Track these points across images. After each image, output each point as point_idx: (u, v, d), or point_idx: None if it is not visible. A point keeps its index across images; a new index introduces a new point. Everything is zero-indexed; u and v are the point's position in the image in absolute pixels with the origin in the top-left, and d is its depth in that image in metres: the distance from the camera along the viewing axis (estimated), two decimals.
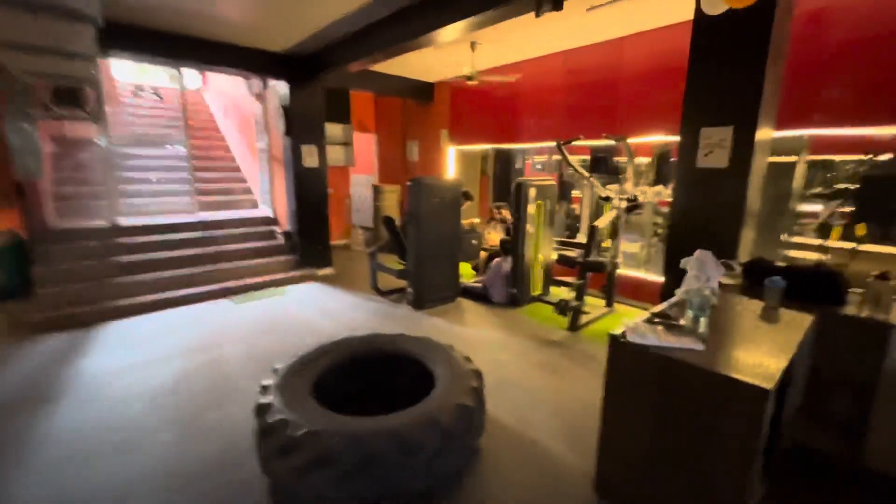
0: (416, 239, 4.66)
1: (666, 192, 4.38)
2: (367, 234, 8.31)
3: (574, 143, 4.48)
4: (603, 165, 9.28)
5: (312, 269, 6.14)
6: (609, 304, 4.90)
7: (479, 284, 5.26)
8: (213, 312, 4.75)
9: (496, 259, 5.16)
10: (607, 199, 4.67)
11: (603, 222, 4.40)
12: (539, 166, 7.01)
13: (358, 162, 8.24)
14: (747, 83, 2.82)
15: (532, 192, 4.64)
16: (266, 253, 6.11)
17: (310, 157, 6.00)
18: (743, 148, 2.92)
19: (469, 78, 5.34)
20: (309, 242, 6.14)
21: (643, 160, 5.21)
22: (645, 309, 4.61)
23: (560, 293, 4.78)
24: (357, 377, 2.73)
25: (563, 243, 5.18)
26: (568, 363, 3.64)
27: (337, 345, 2.75)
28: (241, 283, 5.49)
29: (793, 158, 4.33)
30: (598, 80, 5.21)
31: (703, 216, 3.29)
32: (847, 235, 3.71)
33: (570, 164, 4.43)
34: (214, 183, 7.26)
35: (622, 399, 2.00)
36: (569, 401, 3.06)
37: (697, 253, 2.30)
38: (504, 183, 7.63)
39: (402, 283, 5.32)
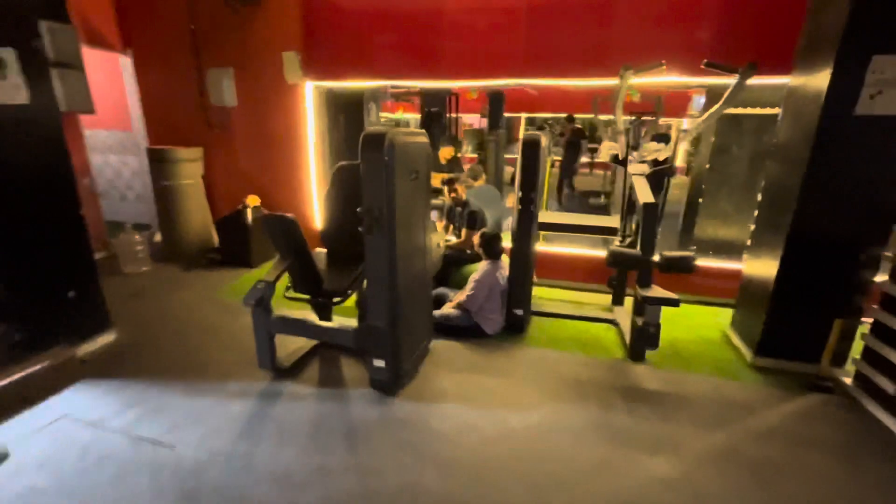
0: (388, 262, 2.20)
1: (667, 150, 3.28)
2: (146, 237, 4.66)
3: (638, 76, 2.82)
4: (437, 123, 7.93)
5: (61, 349, 2.66)
6: (620, 303, 3.69)
7: (454, 311, 3.18)
8: None
9: (481, 267, 3.15)
10: (623, 160, 3.30)
11: (646, 193, 3.02)
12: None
13: (99, 107, 4.30)
14: None
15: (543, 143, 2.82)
16: None
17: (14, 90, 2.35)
18: None
19: None
20: (35, 288, 2.59)
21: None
22: (712, 304, 3.59)
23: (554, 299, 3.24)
24: None
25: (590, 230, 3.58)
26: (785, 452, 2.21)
27: None
28: None
29: None
30: None
31: (862, 186, 2.31)
32: None
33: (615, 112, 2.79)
34: None
35: None
36: None
37: None
38: (353, 141, 5.32)
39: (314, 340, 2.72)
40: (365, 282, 2.30)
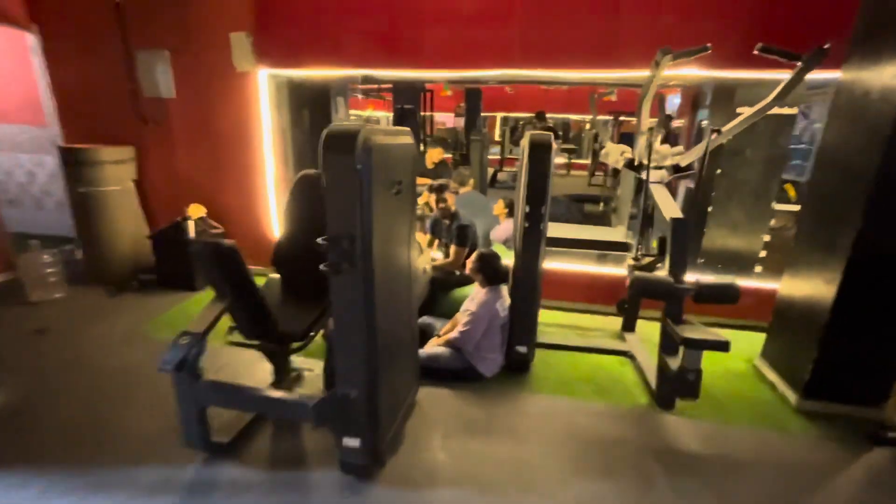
0: (363, 312, 1.58)
1: (691, 154, 2.82)
2: (64, 254, 3.85)
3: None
4: (411, 122, 7.31)
5: None
6: (631, 329, 3.21)
7: (443, 350, 2.59)
8: None
9: (478, 296, 2.57)
10: (638, 166, 2.82)
11: (672, 206, 2.54)
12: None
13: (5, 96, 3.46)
14: None
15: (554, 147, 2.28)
16: None
17: None
18: None
19: None
20: None
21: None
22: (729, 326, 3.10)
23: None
24: None
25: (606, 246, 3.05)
26: None
27: None
28: None
29: None
30: None
31: None
32: None
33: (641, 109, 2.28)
34: None
35: None
36: None
37: None
38: (318, 141, 4.68)
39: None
40: (331, 321, 1.68)
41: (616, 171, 5.33)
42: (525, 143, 2.39)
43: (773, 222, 3.92)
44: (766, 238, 3.88)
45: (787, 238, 4.39)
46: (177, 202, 3.91)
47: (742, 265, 3.85)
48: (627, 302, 3.17)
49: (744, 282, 3.46)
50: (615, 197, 4.90)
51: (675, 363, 2.29)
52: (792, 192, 4.42)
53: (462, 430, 2.20)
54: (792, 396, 2.48)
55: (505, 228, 4.14)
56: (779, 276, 2.73)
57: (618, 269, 3.51)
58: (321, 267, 1.47)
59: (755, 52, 1.99)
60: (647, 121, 2.55)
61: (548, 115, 8.89)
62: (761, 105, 2.22)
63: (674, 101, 9.72)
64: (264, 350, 2.28)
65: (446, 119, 11.44)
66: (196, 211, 3.83)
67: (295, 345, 2.22)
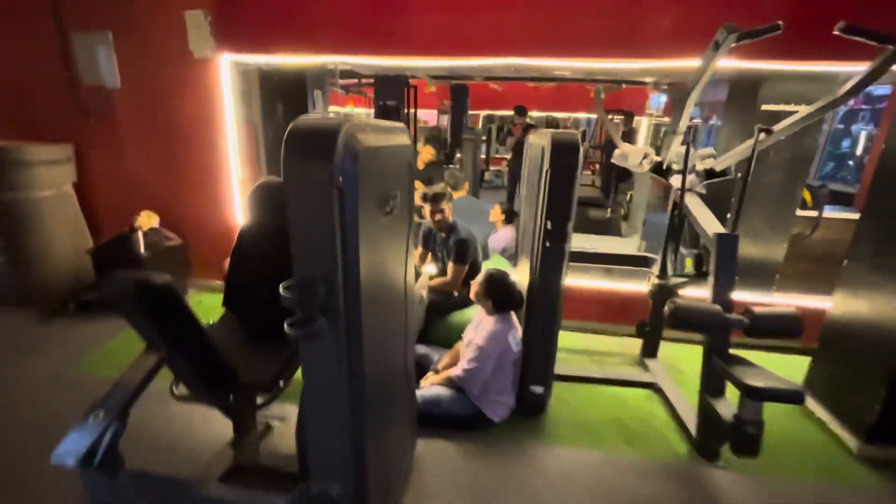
0: (347, 384, 1.12)
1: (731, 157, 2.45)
2: None
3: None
4: (394, 118, 6.81)
5: None
6: (653, 354, 2.83)
7: (445, 391, 2.15)
8: None
9: (486, 326, 2.13)
10: (666, 170, 2.44)
11: (712, 219, 2.16)
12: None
13: None
14: None
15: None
16: None
17: None
18: None
19: None
20: None
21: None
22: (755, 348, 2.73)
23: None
24: None
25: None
26: None
27: None
28: None
29: None
30: None
31: None
32: None
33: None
34: None
35: None
36: None
37: None
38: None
39: None
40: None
41: (621, 173, 4.96)
42: (542, 143, 1.96)
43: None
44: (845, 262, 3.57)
45: (804, 246, 4.12)
46: (126, 209, 3.35)
47: (762, 278, 3.53)
48: (649, 324, 2.78)
49: (764, 297, 3.17)
50: (623, 201, 4.52)
51: (723, 408, 1.91)
52: (807, 197, 4.14)
53: (470, 501, 1.77)
54: (851, 440, 2.13)
55: (502, 237, 3.72)
56: (799, 289, 2.39)
57: (633, 285, 3.13)
58: (287, 328, 1.00)
59: (835, 33, 1.61)
60: (688, 118, 2.16)
61: (533, 114, 8.50)
62: (826, 101, 1.84)
63: (658, 100, 9.51)
64: (220, 407, 1.80)
65: (429, 117, 10.98)
66: (147, 220, 3.28)
67: (261, 400, 1.75)
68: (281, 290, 0.98)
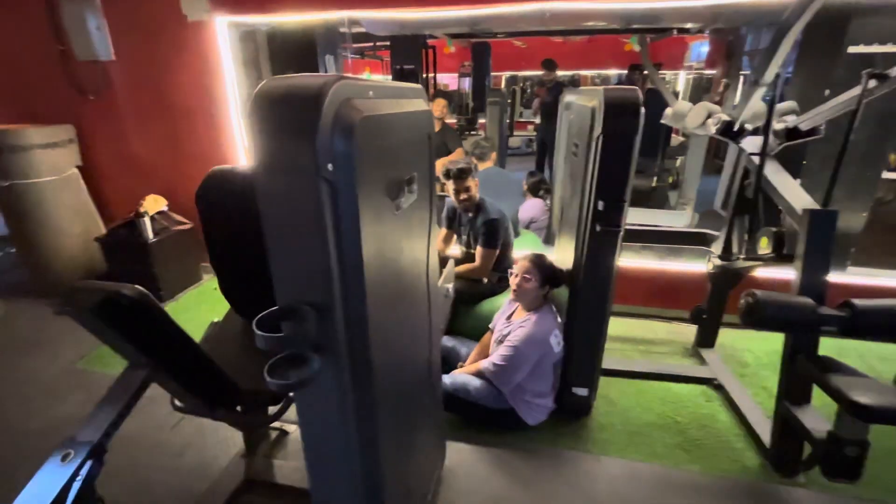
0: (356, 425, 0.87)
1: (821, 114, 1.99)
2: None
3: None
4: (413, 81, 6.33)
5: None
6: (710, 344, 2.50)
7: (476, 382, 1.89)
8: None
9: (525, 321, 1.85)
10: (738, 132, 2.03)
11: (799, 191, 1.77)
12: None
13: None
14: None
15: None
16: None
17: None
18: None
19: None
20: None
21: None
22: None
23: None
24: None
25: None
26: None
27: None
28: None
29: None
30: None
31: None
32: None
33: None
34: None
35: None
36: None
37: None
38: None
39: None
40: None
41: (668, 135, 4.41)
42: (590, 103, 1.59)
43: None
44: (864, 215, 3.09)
45: (885, 213, 3.61)
46: (135, 193, 3.17)
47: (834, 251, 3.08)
48: (707, 311, 2.44)
49: (838, 276, 2.76)
50: (672, 167, 4.02)
51: (812, 420, 1.60)
52: (892, 159, 3.58)
53: None
54: None
55: (530, 206, 3.37)
56: (879, 263, 1.97)
57: (685, 265, 2.76)
58: (267, 378, 0.74)
59: None
60: (779, 65, 1.73)
61: (559, 73, 7.79)
62: None
63: (699, 50, 8.57)
64: (226, 420, 1.60)
65: (450, 81, 10.42)
66: (154, 204, 3.09)
67: (272, 410, 1.54)
68: (254, 327, 0.71)
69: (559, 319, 1.89)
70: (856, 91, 1.70)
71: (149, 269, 2.99)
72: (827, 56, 2.78)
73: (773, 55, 1.68)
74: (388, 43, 6.39)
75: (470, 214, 2.32)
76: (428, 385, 1.38)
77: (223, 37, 2.85)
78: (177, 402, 1.56)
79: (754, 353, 2.50)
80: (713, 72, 6.62)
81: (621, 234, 1.60)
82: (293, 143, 0.66)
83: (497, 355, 1.86)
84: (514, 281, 1.88)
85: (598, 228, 1.59)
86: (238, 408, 1.52)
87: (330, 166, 0.68)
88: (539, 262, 1.84)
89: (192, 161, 3.23)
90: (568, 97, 2.40)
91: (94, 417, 1.14)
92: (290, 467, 1.73)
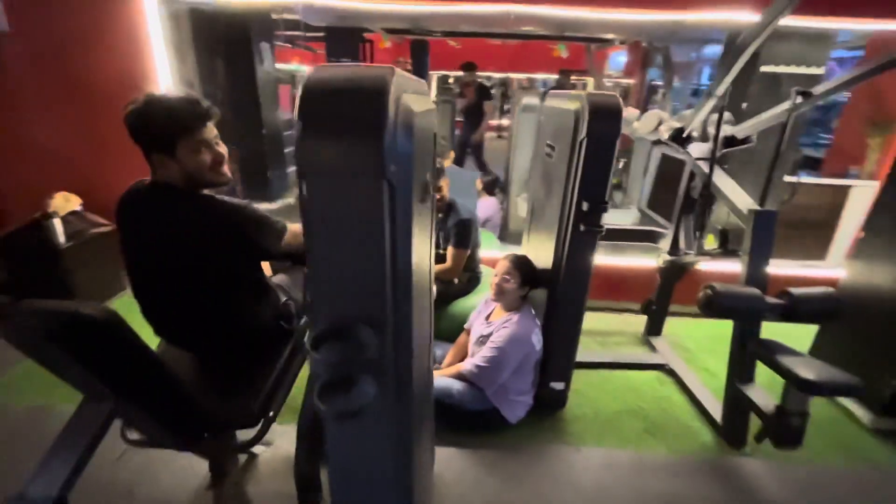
0: (397, 449, 0.80)
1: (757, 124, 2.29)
2: None
3: None
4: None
5: None
6: (658, 332, 2.72)
7: (458, 385, 1.88)
8: None
9: (510, 323, 1.86)
10: (686, 138, 2.23)
11: (742, 194, 1.98)
12: None
13: None
14: None
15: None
16: None
17: None
18: None
19: None
20: None
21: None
22: None
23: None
24: None
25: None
26: None
27: None
28: None
29: None
30: None
31: None
32: None
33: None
34: None
35: None
36: None
37: None
38: (239, 102, 3.68)
39: None
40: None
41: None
42: (572, 106, 1.64)
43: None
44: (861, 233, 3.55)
45: (785, 211, 4.16)
46: (40, 187, 2.70)
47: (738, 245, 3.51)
48: (656, 302, 2.65)
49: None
50: (617, 170, 4.32)
51: (759, 397, 1.80)
52: None
53: None
54: (863, 415, 2.12)
55: (486, 205, 3.43)
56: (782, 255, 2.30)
57: (633, 260, 2.98)
58: (319, 405, 0.65)
59: None
60: (731, 79, 1.91)
61: (490, 75, 7.93)
62: (885, 59, 1.65)
63: (617, 60, 9.29)
64: (190, 450, 1.42)
65: None
66: (64, 203, 2.66)
67: (250, 444, 1.39)
68: (307, 345, 0.63)
69: (537, 320, 1.93)
70: (785, 105, 1.93)
71: (61, 277, 2.57)
72: (744, 73, 3.15)
73: (727, 71, 1.86)
74: (320, 34, 6.11)
75: (441, 215, 2.29)
76: (429, 394, 1.33)
77: (153, 13, 2.52)
78: (128, 435, 1.37)
79: (694, 338, 2.76)
80: (630, 81, 7.20)
81: (602, 233, 1.68)
82: (356, 142, 0.59)
83: (480, 357, 1.86)
84: (494, 281, 1.89)
85: (581, 228, 1.65)
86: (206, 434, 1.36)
87: (393, 167, 0.62)
88: (519, 263, 1.87)
89: (112, 153, 2.82)
90: (526, 100, 2.46)
91: (48, 465, 0.95)
92: (268, 493, 1.58)
